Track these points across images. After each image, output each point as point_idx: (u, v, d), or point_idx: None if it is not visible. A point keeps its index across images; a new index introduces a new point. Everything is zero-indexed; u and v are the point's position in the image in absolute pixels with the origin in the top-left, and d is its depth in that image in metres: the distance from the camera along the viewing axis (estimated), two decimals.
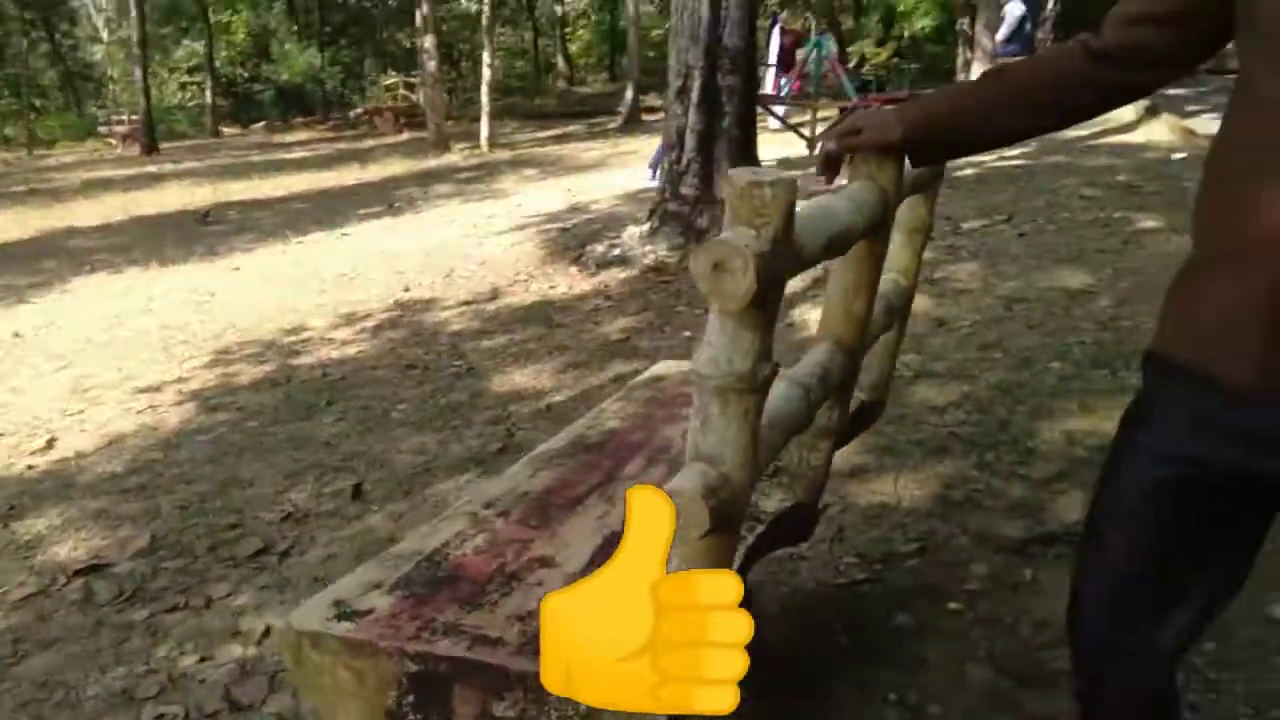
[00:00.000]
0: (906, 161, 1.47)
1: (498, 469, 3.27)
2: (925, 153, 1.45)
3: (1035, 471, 2.95)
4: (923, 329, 4.29)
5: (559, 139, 16.68)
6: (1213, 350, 1.19)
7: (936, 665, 2.15)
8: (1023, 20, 13.01)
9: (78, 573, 2.87)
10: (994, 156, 8.76)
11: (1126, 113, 11.29)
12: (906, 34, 17.79)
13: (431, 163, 14.01)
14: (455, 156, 14.50)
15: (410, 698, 1.32)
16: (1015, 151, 8.96)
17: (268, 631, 2.49)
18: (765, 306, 1.07)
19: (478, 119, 16.51)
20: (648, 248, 5.76)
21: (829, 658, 2.23)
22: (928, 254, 5.21)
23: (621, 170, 11.09)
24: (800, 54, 12.99)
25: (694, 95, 5.83)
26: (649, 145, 14.01)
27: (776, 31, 14.25)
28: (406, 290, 5.85)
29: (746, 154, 6.04)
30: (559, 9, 31.52)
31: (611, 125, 18.31)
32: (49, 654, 2.49)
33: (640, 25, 18.38)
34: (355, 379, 4.33)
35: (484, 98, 15.06)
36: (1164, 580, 1.31)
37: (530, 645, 1.30)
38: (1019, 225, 5.76)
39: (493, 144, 15.03)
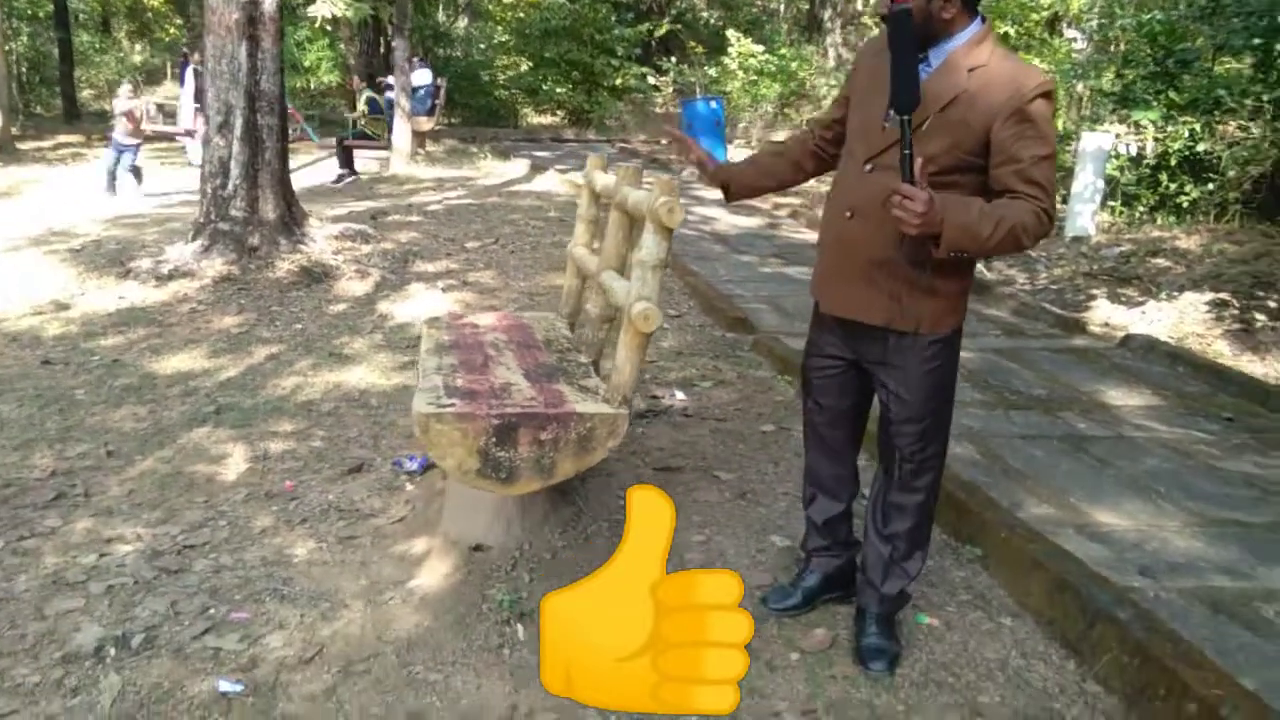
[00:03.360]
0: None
1: (231, 422, 4.04)
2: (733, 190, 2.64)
3: None
4: None
5: None
6: (820, 293, 2.49)
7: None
8: (426, 87, 15.36)
9: None
10: (451, 196, 10.61)
11: (518, 170, 14.06)
12: (314, 85, 19.15)
13: None
14: None
15: (494, 439, 2.54)
16: (457, 194, 10.93)
17: (133, 539, 3.12)
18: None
19: None
20: (204, 263, 6.38)
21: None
22: (454, 264, 6.80)
23: (52, 196, 10.66)
24: None
25: (237, 131, 6.62)
26: (52, 175, 13.23)
27: (189, 71, 14.40)
28: None
29: (283, 182, 6.96)
30: None
31: None
32: None
33: (9, 51, 16.65)
34: None
35: None
36: (837, 420, 2.60)
37: (551, 402, 2.60)
38: (506, 245, 7.61)
39: None
